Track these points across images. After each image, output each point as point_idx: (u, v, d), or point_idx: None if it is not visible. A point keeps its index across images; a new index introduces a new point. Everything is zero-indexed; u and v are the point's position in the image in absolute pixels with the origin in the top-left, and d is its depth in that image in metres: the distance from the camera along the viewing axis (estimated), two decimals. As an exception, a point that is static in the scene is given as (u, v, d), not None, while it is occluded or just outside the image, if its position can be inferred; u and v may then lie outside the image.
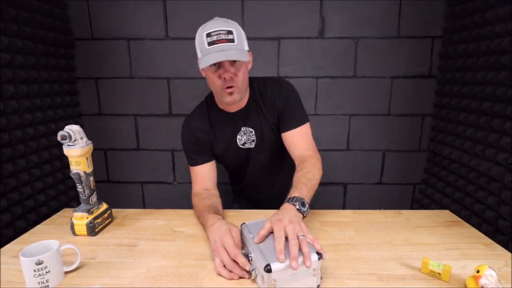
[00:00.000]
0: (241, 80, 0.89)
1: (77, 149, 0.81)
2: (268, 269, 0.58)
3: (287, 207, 0.73)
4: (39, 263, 0.62)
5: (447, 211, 1.03)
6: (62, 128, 0.80)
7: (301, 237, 0.62)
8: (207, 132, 1.01)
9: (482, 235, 0.86)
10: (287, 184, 1.18)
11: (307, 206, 0.76)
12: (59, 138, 0.79)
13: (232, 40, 0.84)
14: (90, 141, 0.85)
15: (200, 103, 1.07)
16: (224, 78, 0.86)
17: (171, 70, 1.66)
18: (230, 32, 0.84)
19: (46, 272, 0.63)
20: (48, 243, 0.68)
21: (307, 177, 0.85)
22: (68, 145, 0.81)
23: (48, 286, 0.64)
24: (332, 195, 1.81)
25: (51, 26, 1.44)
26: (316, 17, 1.58)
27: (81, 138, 0.82)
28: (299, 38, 1.59)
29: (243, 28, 0.91)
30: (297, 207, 0.73)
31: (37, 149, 1.37)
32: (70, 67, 1.62)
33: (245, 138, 1.02)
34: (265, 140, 1.03)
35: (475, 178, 1.29)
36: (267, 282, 0.59)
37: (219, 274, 0.67)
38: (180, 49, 1.63)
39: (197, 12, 1.58)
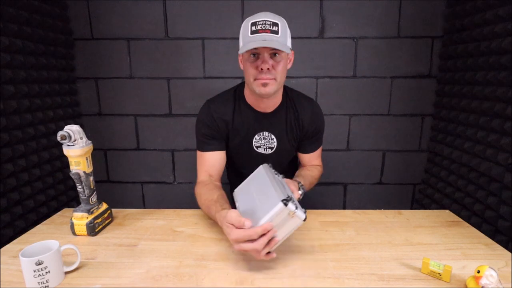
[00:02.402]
0: (280, 73, 0.86)
1: (76, 149, 0.81)
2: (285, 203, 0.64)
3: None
4: (39, 263, 0.62)
5: (447, 211, 1.03)
6: (62, 128, 0.80)
7: None
8: (227, 122, 0.98)
9: (483, 235, 0.86)
10: None
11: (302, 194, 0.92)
12: (58, 138, 0.79)
13: (276, 32, 0.81)
14: (90, 141, 0.85)
15: (225, 92, 1.03)
16: (261, 69, 0.83)
17: (171, 70, 1.66)
18: (275, 24, 0.82)
19: (46, 272, 0.63)
20: (48, 243, 0.68)
21: (314, 178, 1.04)
22: (68, 145, 0.81)
23: (48, 286, 0.64)
24: (332, 195, 1.81)
25: (51, 26, 1.44)
26: (316, 17, 1.58)
27: (81, 138, 0.82)
28: (299, 38, 1.59)
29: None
30: (300, 191, 0.89)
31: (37, 149, 1.37)
32: (70, 67, 1.62)
33: (263, 142, 1.00)
34: (282, 152, 1.03)
35: (475, 178, 1.29)
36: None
37: (244, 250, 0.67)
38: (180, 49, 1.63)
39: (197, 12, 1.58)
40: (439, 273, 0.66)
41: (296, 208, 0.65)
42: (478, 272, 0.59)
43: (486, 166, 1.22)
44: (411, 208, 1.82)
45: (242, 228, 0.65)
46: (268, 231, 0.64)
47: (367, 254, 0.77)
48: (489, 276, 0.58)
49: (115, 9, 1.59)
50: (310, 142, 1.06)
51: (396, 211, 1.02)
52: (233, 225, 0.67)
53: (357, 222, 0.94)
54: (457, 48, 1.44)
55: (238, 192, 0.84)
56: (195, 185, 0.99)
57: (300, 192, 0.88)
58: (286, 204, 0.63)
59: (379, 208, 1.26)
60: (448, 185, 1.49)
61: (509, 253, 0.77)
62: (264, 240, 0.64)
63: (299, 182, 0.92)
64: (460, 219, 0.96)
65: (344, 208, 1.84)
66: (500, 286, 0.58)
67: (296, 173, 1.06)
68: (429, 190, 1.65)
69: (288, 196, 0.65)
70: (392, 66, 1.63)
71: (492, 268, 0.59)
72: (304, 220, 0.66)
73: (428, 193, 1.65)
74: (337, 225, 0.92)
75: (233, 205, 0.82)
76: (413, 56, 1.61)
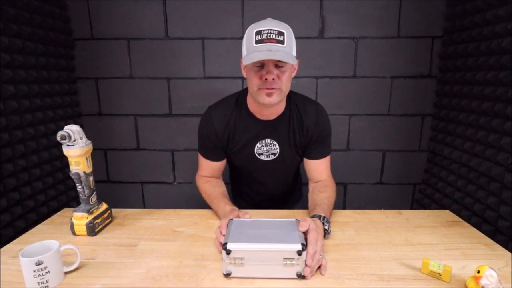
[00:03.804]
0: (284, 83, 0.85)
1: (76, 149, 0.81)
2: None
3: (319, 224, 0.78)
4: (39, 263, 0.62)
5: (447, 211, 1.03)
6: (62, 128, 0.80)
7: (320, 256, 0.69)
8: (228, 131, 0.97)
9: (483, 235, 0.86)
10: (290, 187, 1.19)
11: (330, 228, 0.84)
12: (58, 138, 0.79)
13: (281, 42, 0.79)
14: (89, 141, 0.85)
15: (228, 98, 1.01)
16: (266, 79, 0.82)
17: (171, 70, 1.66)
18: (281, 33, 0.80)
19: (46, 273, 0.63)
20: (48, 243, 0.68)
21: (331, 202, 0.94)
22: (68, 145, 0.81)
23: (48, 286, 0.64)
24: (332, 195, 1.81)
25: (51, 26, 1.44)
26: (316, 17, 1.58)
27: (81, 138, 0.82)
28: (299, 38, 1.58)
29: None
30: (326, 227, 0.81)
31: (37, 149, 1.36)
32: (70, 67, 1.62)
33: (265, 149, 0.99)
34: (285, 158, 1.01)
35: (475, 178, 1.29)
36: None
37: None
38: (180, 49, 1.63)
39: (197, 12, 1.58)
40: (439, 273, 0.66)
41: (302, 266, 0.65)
42: (478, 272, 0.59)
43: (486, 166, 1.22)
44: (411, 208, 1.82)
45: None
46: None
47: (367, 254, 0.77)
48: (489, 276, 0.58)
49: (115, 9, 1.59)
50: (318, 147, 1.01)
51: (396, 211, 1.02)
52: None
53: (357, 222, 0.94)
54: (457, 48, 1.44)
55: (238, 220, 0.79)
56: (195, 181, 1.06)
57: (326, 227, 0.81)
58: (300, 253, 0.64)
59: (379, 208, 1.26)
60: (448, 185, 1.48)
61: (509, 253, 0.77)
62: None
63: (319, 216, 0.82)
64: (460, 219, 0.96)
65: (344, 208, 1.84)
66: (500, 286, 0.58)
67: (310, 202, 0.98)
68: (429, 190, 1.65)
69: (304, 245, 0.65)
70: (392, 66, 1.63)
71: (492, 268, 0.59)
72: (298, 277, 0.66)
73: (428, 193, 1.65)
74: (337, 225, 0.92)
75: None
76: (413, 56, 1.61)
